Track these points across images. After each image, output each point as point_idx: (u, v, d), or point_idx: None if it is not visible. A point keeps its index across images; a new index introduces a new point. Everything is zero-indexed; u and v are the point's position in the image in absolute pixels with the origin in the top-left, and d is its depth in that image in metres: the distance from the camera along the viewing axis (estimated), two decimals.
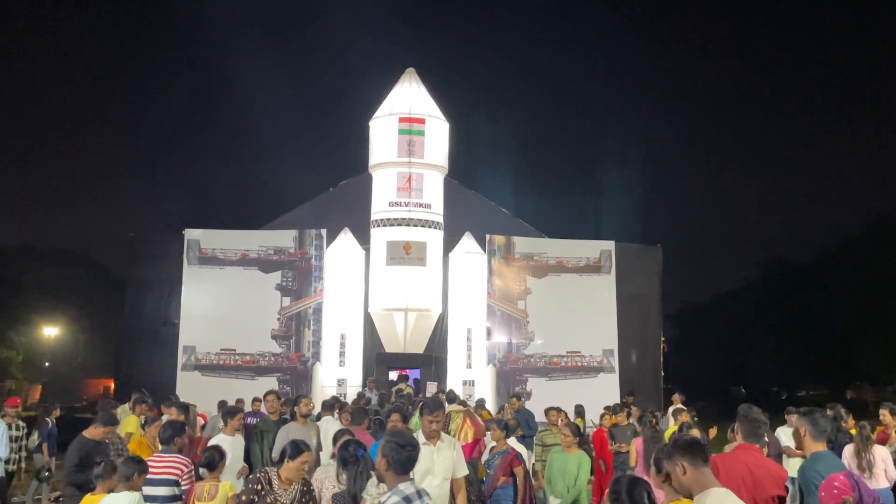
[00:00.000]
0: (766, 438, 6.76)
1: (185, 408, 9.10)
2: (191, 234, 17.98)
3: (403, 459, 3.63)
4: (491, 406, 17.06)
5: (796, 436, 4.42)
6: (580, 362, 18.27)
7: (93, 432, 6.52)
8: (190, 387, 16.98)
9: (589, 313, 18.36)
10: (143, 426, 9.05)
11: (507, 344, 18.18)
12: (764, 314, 38.03)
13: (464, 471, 5.48)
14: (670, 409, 14.21)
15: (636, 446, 8.31)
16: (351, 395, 15.94)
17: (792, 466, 7.56)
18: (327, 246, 18.09)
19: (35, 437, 11.05)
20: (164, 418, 9.21)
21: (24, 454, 10.33)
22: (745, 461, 4.19)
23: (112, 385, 21.76)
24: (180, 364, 17.50)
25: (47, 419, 11.51)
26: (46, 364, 41.96)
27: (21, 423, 10.06)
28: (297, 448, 4.91)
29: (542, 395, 16.70)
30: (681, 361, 38.71)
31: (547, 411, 10.23)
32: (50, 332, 39.77)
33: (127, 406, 10.55)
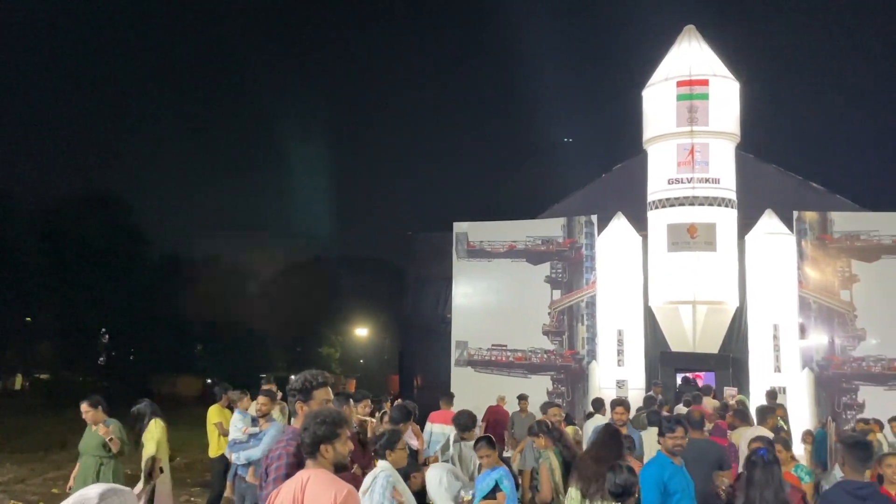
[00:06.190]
0: None
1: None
2: (459, 227, 16.74)
3: None
4: (807, 421, 13.25)
5: None
6: None
7: None
8: (463, 383, 15.78)
9: None
10: None
11: (828, 344, 14.05)
12: None
13: None
14: None
15: None
16: (634, 399, 13.30)
17: None
18: (599, 233, 15.67)
19: None
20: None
21: None
22: None
23: (398, 380, 21.56)
24: (453, 359, 16.34)
25: None
26: (361, 361, 44.92)
27: None
28: None
29: (878, 408, 12.48)
30: None
31: None
32: (361, 331, 42.45)
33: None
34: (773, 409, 8.11)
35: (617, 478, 3.85)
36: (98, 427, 6.95)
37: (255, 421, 7.43)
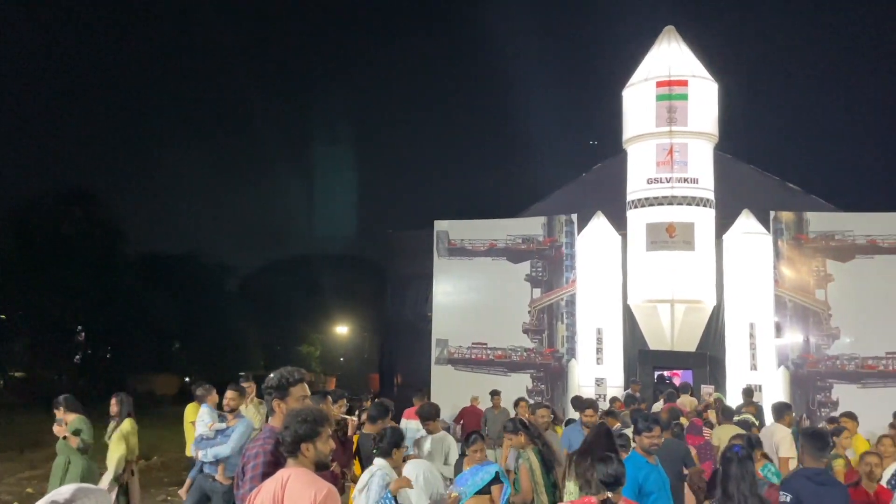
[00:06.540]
0: None
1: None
2: (440, 225, 16.73)
3: None
4: None
5: None
6: None
7: None
8: (443, 381, 15.83)
9: None
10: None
11: (803, 343, 14.25)
12: None
13: None
14: None
15: None
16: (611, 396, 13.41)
17: None
18: (579, 232, 15.76)
19: None
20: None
21: None
22: None
23: (377, 379, 21.54)
24: (434, 357, 16.35)
25: None
26: (341, 359, 44.79)
27: None
28: None
29: (852, 406, 12.69)
30: None
31: None
32: (341, 329, 42.32)
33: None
34: (790, 406, 8.14)
35: (609, 468, 3.92)
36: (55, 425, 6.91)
37: (222, 417, 7.11)
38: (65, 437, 6.78)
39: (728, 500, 3.98)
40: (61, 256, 28.26)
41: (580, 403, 7.65)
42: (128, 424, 7.22)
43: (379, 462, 4.74)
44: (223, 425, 6.88)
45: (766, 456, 5.52)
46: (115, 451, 7.10)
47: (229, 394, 7.02)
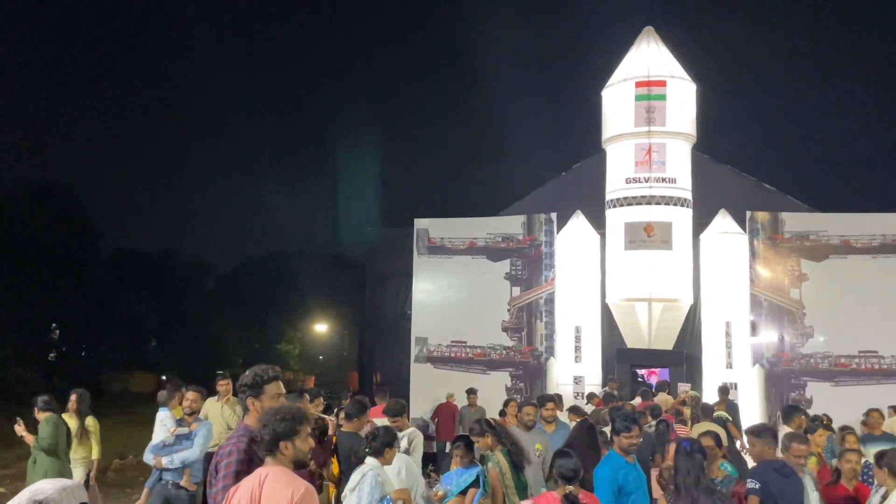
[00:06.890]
0: None
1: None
2: (420, 223, 16.78)
3: None
4: (758, 416, 13.64)
5: None
6: (878, 364, 13.96)
7: None
8: (422, 379, 15.90)
9: (889, 304, 13.97)
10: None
11: (778, 341, 14.47)
12: None
13: None
14: None
15: None
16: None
17: None
18: (558, 231, 15.86)
19: None
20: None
21: None
22: None
23: (357, 377, 21.52)
24: (413, 356, 16.39)
25: None
26: (320, 357, 44.60)
27: None
28: None
29: (826, 404, 12.98)
30: None
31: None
32: (321, 327, 42.14)
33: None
34: (800, 409, 7.99)
35: (568, 462, 3.98)
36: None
37: (180, 421, 6.72)
38: (21, 436, 6.82)
39: (677, 491, 4.15)
40: (35, 253, 27.87)
41: (539, 399, 7.60)
42: (90, 423, 7.23)
43: (371, 461, 4.73)
44: (185, 429, 6.58)
45: (725, 457, 5.62)
46: (80, 451, 7.09)
47: (191, 395, 6.75)
